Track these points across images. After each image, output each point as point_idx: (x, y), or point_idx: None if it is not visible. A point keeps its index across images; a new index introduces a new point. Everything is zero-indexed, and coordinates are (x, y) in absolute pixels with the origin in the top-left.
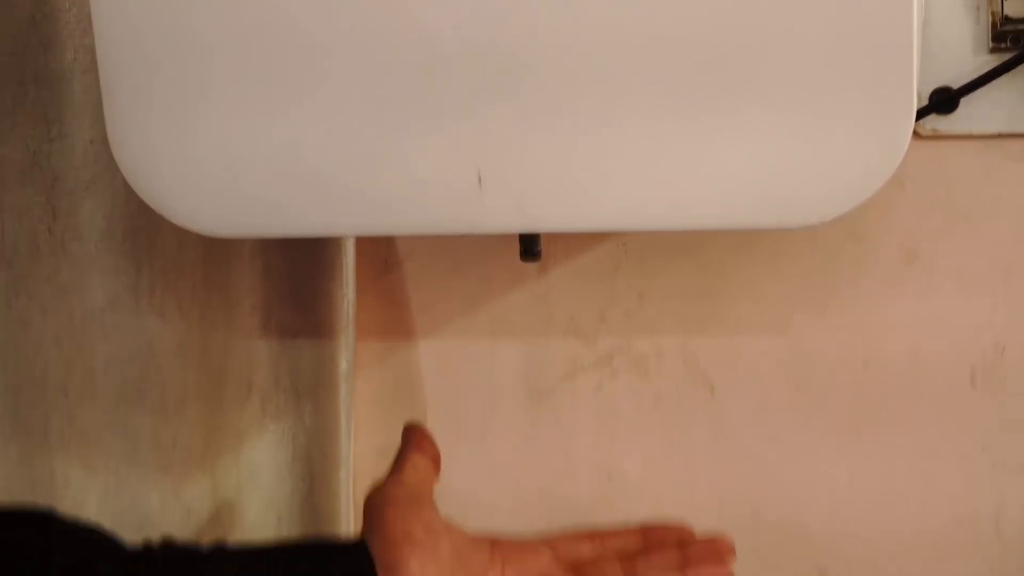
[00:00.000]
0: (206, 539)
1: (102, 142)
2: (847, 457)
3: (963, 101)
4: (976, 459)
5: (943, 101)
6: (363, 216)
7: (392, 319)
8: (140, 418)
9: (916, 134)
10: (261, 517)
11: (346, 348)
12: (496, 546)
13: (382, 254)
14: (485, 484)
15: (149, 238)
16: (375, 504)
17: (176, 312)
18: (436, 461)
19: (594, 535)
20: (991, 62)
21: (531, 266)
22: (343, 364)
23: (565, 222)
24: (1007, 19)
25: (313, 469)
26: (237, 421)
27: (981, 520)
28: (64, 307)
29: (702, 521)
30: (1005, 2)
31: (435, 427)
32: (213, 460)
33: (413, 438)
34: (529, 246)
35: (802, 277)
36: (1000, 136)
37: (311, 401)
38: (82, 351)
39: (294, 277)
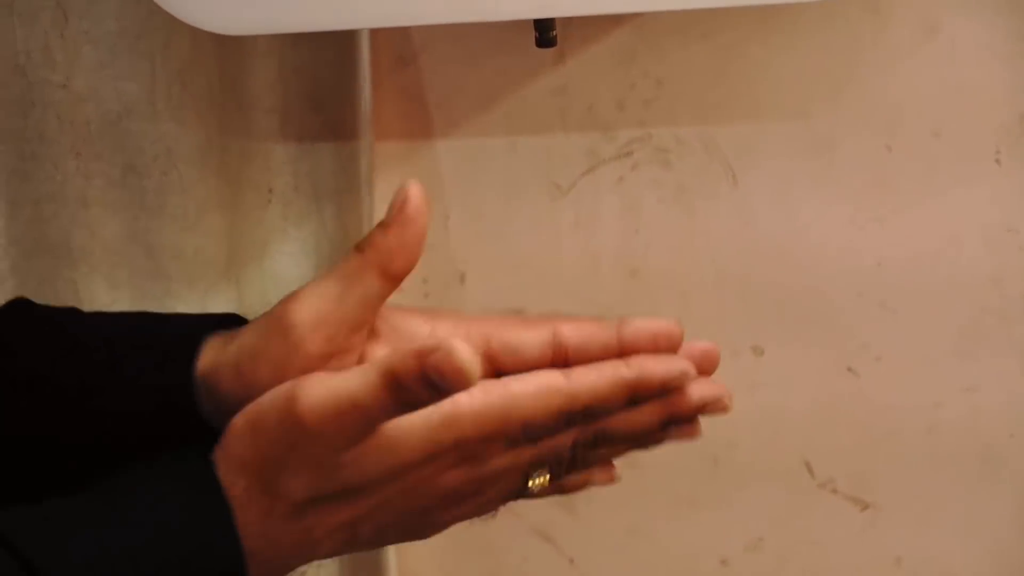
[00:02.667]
0: None
1: None
2: (872, 238)
3: None
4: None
5: None
6: (376, 5)
7: (409, 118)
8: (162, 229)
9: None
10: None
11: (365, 149)
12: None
13: (396, 48)
14: (508, 284)
15: (163, 38)
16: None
17: (193, 117)
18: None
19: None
20: None
21: (548, 56)
22: (363, 166)
23: (579, 3)
24: None
25: None
26: (259, 229)
27: None
28: (80, 115)
29: (728, 312)
30: None
31: (457, 227)
32: (237, 271)
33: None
34: (544, 31)
35: (821, 55)
36: None
37: (332, 206)
38: (100, 161)
39: (310, 74)
